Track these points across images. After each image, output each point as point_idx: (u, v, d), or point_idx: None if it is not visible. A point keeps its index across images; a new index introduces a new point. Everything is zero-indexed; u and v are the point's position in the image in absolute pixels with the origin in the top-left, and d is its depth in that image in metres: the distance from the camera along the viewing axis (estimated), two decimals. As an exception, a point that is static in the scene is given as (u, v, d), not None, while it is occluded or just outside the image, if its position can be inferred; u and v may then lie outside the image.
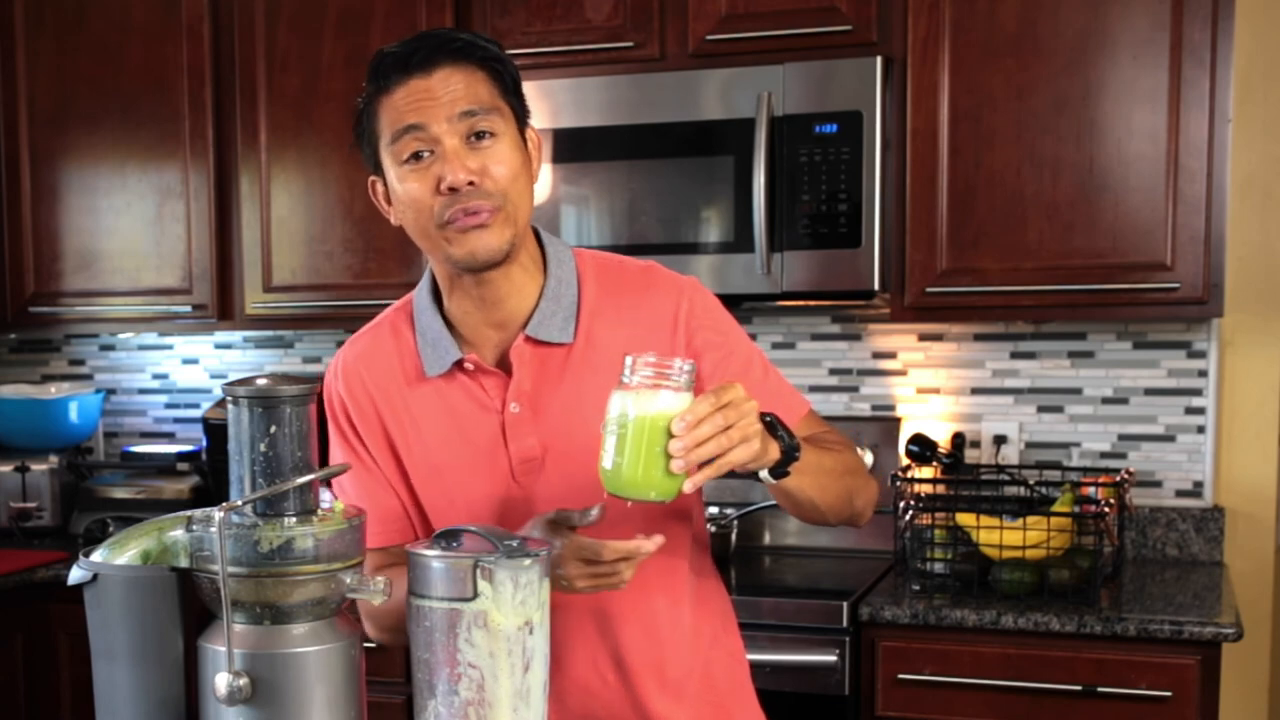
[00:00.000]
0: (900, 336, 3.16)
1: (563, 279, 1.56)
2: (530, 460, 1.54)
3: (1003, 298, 2.76)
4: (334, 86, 3.16)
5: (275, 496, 1.15)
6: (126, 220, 3.36)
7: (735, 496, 3.08)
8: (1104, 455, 3.04)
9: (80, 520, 3.38)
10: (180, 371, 3.75)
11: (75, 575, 1.17)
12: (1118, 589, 2.70)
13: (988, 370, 3.11)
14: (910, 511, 2.69)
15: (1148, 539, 3.01)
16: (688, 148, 2.85)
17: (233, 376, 3.32)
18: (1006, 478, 2.88)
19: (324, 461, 1.20)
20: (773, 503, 1.49)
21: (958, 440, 3.06)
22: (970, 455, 3.07)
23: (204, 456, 3.49)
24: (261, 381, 1.16)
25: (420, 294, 1.61)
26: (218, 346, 3.71)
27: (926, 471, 2.91)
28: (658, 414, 1.29)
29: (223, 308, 3.31)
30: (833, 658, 2.53)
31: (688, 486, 1.31)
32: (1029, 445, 3.09)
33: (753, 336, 3.09)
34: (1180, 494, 3.02)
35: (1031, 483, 2.84)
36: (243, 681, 1.12)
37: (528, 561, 1.20)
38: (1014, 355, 3.10)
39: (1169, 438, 3.01)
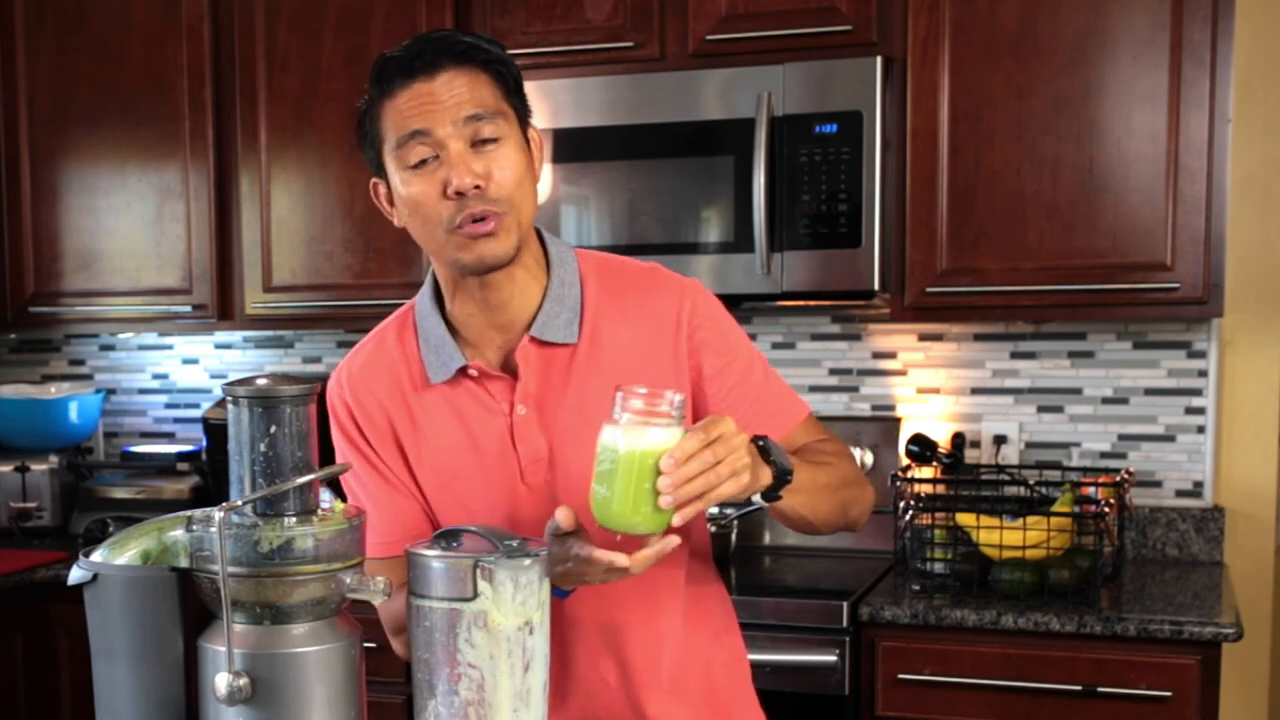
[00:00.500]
0: (900, 336, 3.16)
1: (566, 279, 1.56)
2: (539, 461, 1.54)
3: (1003, 298, 2.76)
4: (334, 86, 3.16)
5: (275, 496, 1.15)
6: (126, 220, 3.36)
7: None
8: (1104, 455, 3.04)
9: (80, 520, 3.38)
10: (180, 371, 3.75)
11: (75, 575, 1.17)
12: (1118, 589, 2.70)
13: (988, 370, 3.11)
14: (910, 511, 2.69)
15: (1148, 539, 3.01)
16: (688, 148, 2.85)
17: (233, 376, 3.32)
18: (1006, 478, 2.88)
19: (324, 463, 1.20)
20: (754, 508, 1.50)
21: (958, 440, 3.06)
22: (970, 455, 3.07)
23: (204, 456, 3.49)
24: (261, 381, 1.16)
25: (423, 299, 1.60)
26: (218, 346, 3.71)
27: (926, 471, 2.91)
28: (647, 450, 1.30)
29: (223, 308, 3.31)
30: (833, 658, 2.53)
31: (676, 520, 1.32)
32: (1029, 445, 3.09)
33: (752, 337, 3.09)
34: (1180, 494, 3.02)
35: (1031, 483, 2.84)
36: (243, 681, 1.12)
37: (528, 561, 1.21)
38: (1014, 355, 3.10)
39: (1169, 438, 3.01)
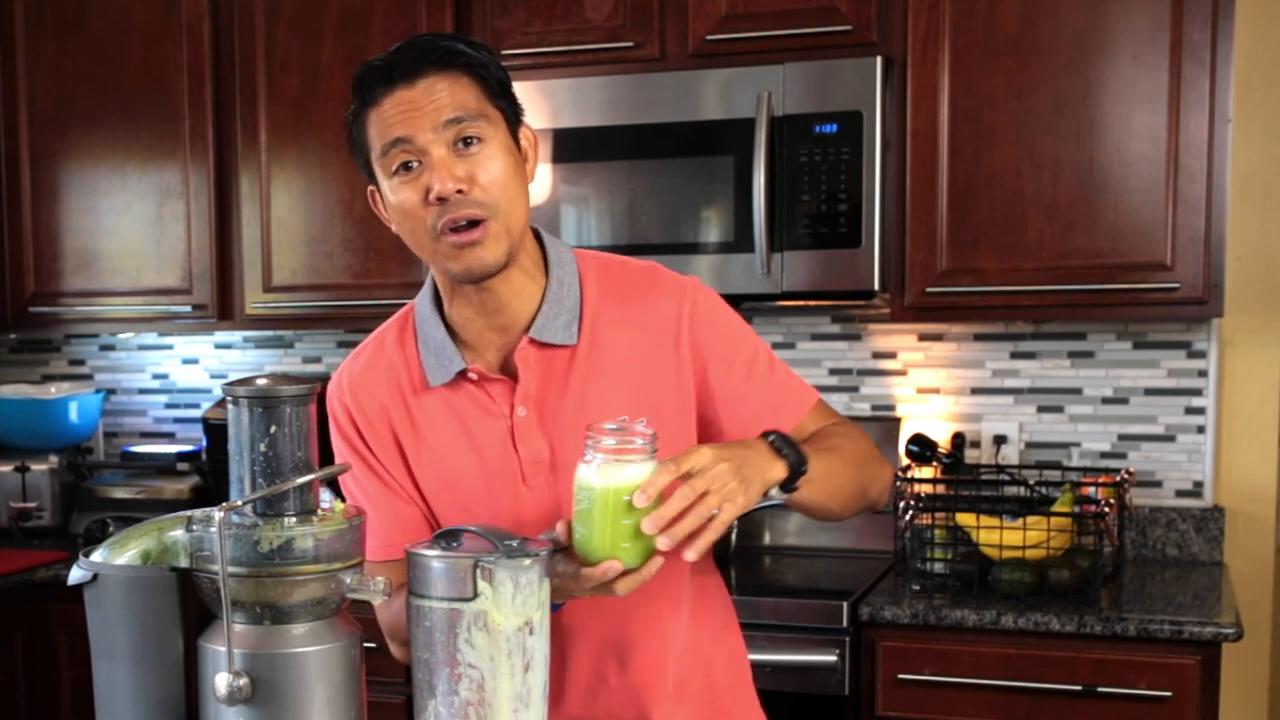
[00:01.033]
0: (900, 336, 3.16)
1: (564, 280, 1.56)
2: (540, 463, 1.54)
3: (1003, 298, 2.76)
4: (334, 86, 3.16)
5: (275, 496, 1.15)
6: (126, 220, 3.36)
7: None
8: (1104, 455, 3.04)
9: (80, 520, 3.38)
10: (180, 371, 3.75)
11: (75, 575, 1.17)
12: (1118, 589, 2.70)
13: (988, 370, 3.11)
14: (910, 511, 2.69)
15: (1148, 539, 3.01)
16: (688, 148, 2.85)
17: (233, 376, 3.32)
18: (1006, 478, 2.88)
19: (324, 463, 1.20)
20: (773, 503, 1.49)
21: (958, 440, 3.06)
22: (970, 455, 3.07)
23: (204, 456, 3.49)
24: (261, 381, 1.16)
25: (422, 302, 1.60)
26: (218, 346, 3.71)
27: (926, 471, 2.91)
28: (621, 486, 1.30)
29: (223, 308, 3.31)
30: (833, 658, 2.53)
31: (690, 555, 1.32)
32: (1029, 445, 3.09)
33: (753, 336, 3.09)
34: (1180, 494, 3.02)
35: (1031, 483, 2.84)
36: (243, 681, 1.12)
37: (528, 561, 1.20)
38: (1014, 355, 3.10)
39: (1169, 438, 3.01)
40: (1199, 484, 3.00)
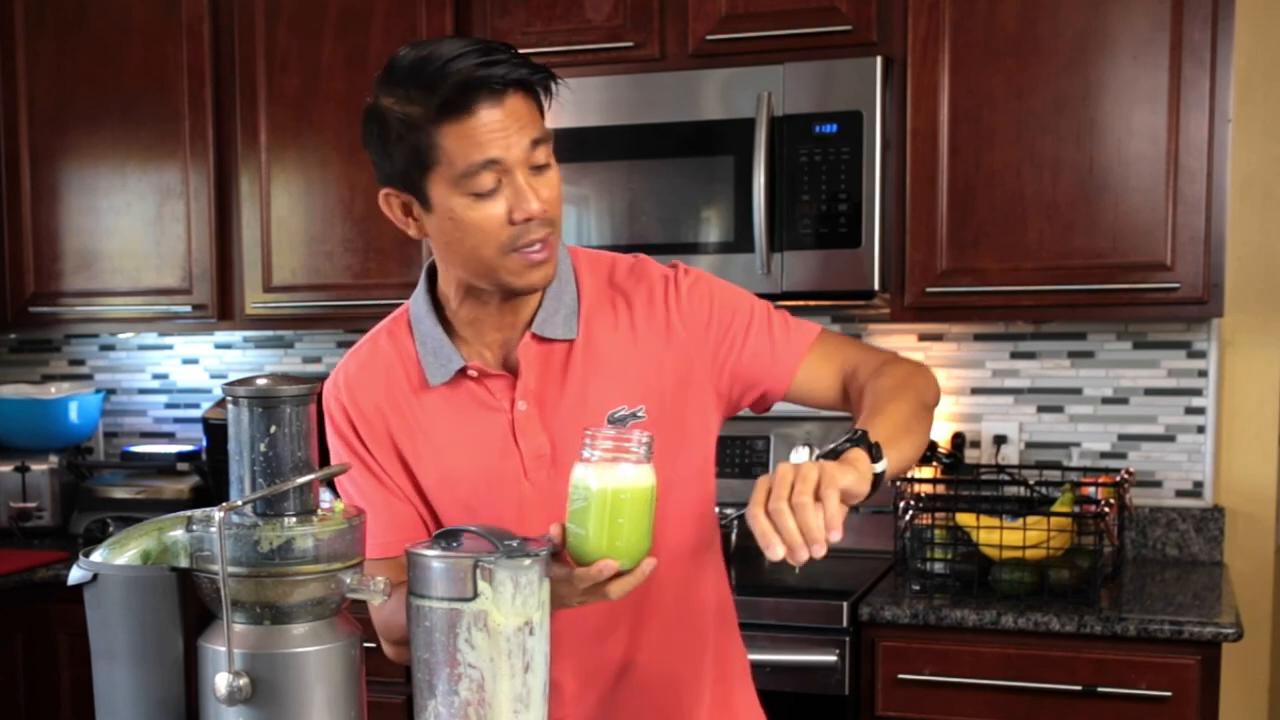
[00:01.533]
0: (900, 336, 3.16)
1: (563, 276, 1.57)
2: (541, 458, 1.54)
3: (1003, 298, 2.76)
4: (334, 86, 3.16)
5: (275, 496, 1.15)
6: (126, 220, 3.37)
7: (735, 496, 3.08)
8: (1104, 455, 3.04)
9: (80, 520, 3.38)
10: (180, 371, 3.75)
11: (75, 575, 1.17)
12: (1118, 589, 2.70)
13: (988, 370, 3.11)
14: (910, 511, 2.69)
15: (1148, 539, 3.01)
16: (688, 148, 2.85)
17: (233, 376, 3.32)
18: (1006, 478, 2.87)
19: (324, 463, 1.20)
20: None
21: (958, 440, 3.07)
22: (970, 455, 3.07)
23: (204, 456, 3.49)
24: (261, 381, 1.16)
25: (416, 303, 1.59)
26: (218, 346, 3.71)
27: (926, 471, 2.91)
28: (619, 487, 1.30)
29: (223, 308, 3.31)
30: (833, 658, 2.53)
31: (834, 537, 1.27)
32: (1029, 445, 3.09)
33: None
34: (1180, 494, 3.02)
35: (1031, 483, 2.84)
36: (243, 681, 1.12)
37: (527, 561, 1.20)
38: (1014, 355, 3.10)
39: (1169, 438, 3.01)
40: (1199, 484, 3.00)
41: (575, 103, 2.90)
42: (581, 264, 1.60)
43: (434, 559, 1.21)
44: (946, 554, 2.68)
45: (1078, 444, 3.06)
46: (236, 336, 3.66)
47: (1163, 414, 3.01)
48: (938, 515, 2.70)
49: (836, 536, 1.27)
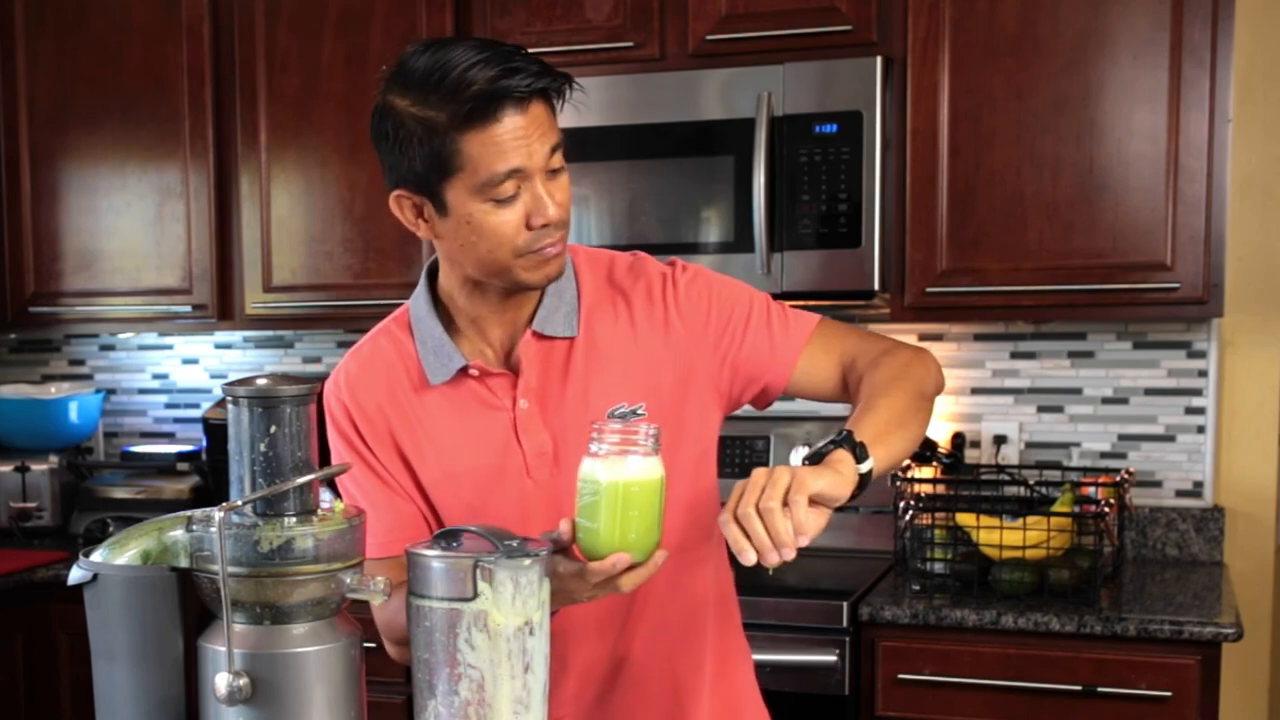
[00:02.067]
0: (900, 336, 3.13)
1: (564, 274, 1.57)
2: (543, 455, 1.54)
3: (1003, 298, 2.76)
4: (334, 86, 3.16)
5: (275, 496, 1.15)
6: (126, 220, 3.37)
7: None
8: (1104, 455, 3.04)
9: (80, 520, 3.38)
10: (180, 371, 3.75)
11: (75, 575, 1.17)
12: (1118, 589, 2.70)
13: (988, 370, 3.11)
14: (910, 511, 2.69)
15: (1148, 539, 3.01)
16: (688, 148, 2.85)
17: (233, 376, 3.32)
18: (1006, 478, 2.87)
19: (324, 463, 1.20)
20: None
21: (958, 440, 3.06)
22: (970, 455, 3.07)
23: (204, 456, 3.49)
24: (261, 381, 1.16)
25: (417, 302, 1.60)
26: (218, 346, 3.71)
27: (927, 471, 2.91)
28: (628, 480, 1.31)
29: (223, 308, 3.31)
30: (833, 658, 2.53)
31: (802, 541, 1.29)
32: (1029, 445, 3.09)
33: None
34: (1180, 494, 3.02)
35: (1031, 483, 2.84)
36: (243, 681, 1.12)
37: (528, 561, 1.20)
38: (1014, 355, 3.10)
39: (1169, 438, 3.01)
40: (1199, 484, 3.00)
41: (575, 103, 2.90)
42: (581, 262, 1.61)
43: (434, 559, 1.20)
44: (946, 554, 2.68)
45: (1078, 444, 3.06)
46: (236, 336, 3.66)
47: (1163, 414, 3.01)
48: (938, 515, 2.70)
49: (804, 541, 1.29)
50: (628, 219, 2.90)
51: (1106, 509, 2.63)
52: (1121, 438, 3.04)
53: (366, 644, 1.23)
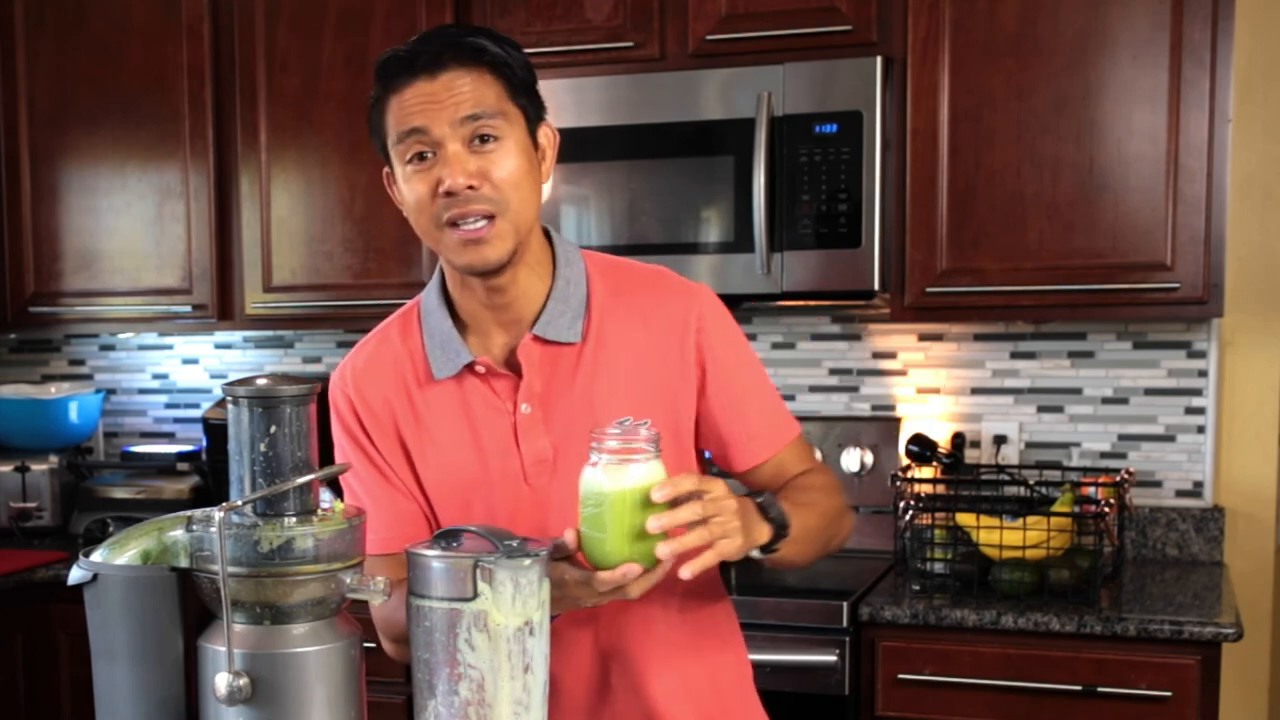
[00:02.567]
0: (900, 336, 3.16)
1: (571, 279, 1.56)
2: (542, 461, 1.54)
3: (1003, 298, 2.76)
4: (334, 86, 3.16)
5: (275, 496, 1.15)
6: (126, 220, 3.37)
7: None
8: (1104, 455, 3.04)
9: (80, 520, 3.38)
10: (180, 371, 3.75)
11: (75, 575, 1.17)
12: (1118, 589, 2.70)
13: (988, 370, 3.11)
14: (910, 511, 2.69)
15: (1148, 539, 3.01)
16: (688, 148, 2.85)
17: (233, 376, 3.32)
18: (1006, 478, 2.88)
19: (325, 462, 1.20)
20: (750, 559, 1.51)
21: (958, 440, 3.06)
22: (970, 455, 3.07)
23: (204, 456, 3.49)
24: (261, 381, 1.16)
25: (429, 295, 1.60)
26: (218, 346, 3.71)
27: (926, 471, 2.91)
28: (631, 488, 1.31)
29: (223, 308, 3.31)
30: (833, 658, 2.53)
31: (685, 574, 1.34)
32: (1029, 445, 3.09)
33: (752, 337, 3.09)
34: (1180, 494, 3.02)
35: (1031, 483, 2.84)
36: (243, 681, 1.12)
37: (528, 562, 1.20)
38: (1014, 355, 3.10)
39: (1169, 438, 3.01)
40: (1199, 484, 3.00)
41: (575, 103, 2.91)
42: (596, 268, 1.60)
43: (434, 559, 1.21)
44: (946, 554, 2.68)
45: (1078, 444, 3.06)
46: (236, 336, 3.66)
47: (1163, 414, 3.01)
48: (938, 515, 2.70)
49: (685, 574, 1.36)
50: (628, 219, 2.90)
51: (1106, 509, 2.63)
52: (1121, 438, 3.04)
53: (366, 644, 1.23)
